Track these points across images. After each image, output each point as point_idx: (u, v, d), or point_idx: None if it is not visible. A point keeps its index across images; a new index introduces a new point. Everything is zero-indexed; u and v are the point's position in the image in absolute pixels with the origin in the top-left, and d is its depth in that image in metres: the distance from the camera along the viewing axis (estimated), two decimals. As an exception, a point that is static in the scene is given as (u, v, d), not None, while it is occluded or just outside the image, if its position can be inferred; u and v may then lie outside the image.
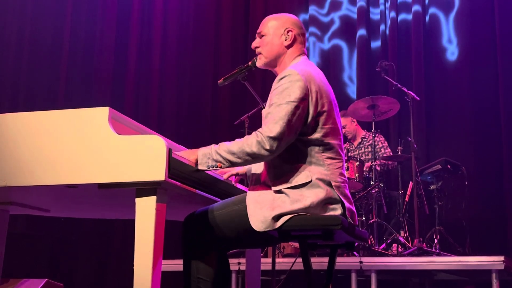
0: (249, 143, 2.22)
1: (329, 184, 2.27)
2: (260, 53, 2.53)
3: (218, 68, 7.07)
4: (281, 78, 2.30)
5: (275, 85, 2.32)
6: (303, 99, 2.25)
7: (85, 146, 2.10)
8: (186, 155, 2.25)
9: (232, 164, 2.25)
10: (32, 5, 6.37)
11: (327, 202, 2.26)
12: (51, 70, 6.37)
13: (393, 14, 6.64)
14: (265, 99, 4.15)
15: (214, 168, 2.24)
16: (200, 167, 2.24)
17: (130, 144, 2.06)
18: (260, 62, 2.55)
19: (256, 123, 5.64)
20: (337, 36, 7.00)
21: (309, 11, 7.16)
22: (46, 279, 3.27)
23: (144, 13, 7.10)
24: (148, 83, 6.94)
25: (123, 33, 6.90)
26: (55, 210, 2.81)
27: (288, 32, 2.48)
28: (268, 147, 2.20)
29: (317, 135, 2.29)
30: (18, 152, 2.17)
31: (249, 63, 2.78)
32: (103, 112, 2.13)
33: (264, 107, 2.96)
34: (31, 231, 5.53)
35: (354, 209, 2.40)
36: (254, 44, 2.55)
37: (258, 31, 2.54)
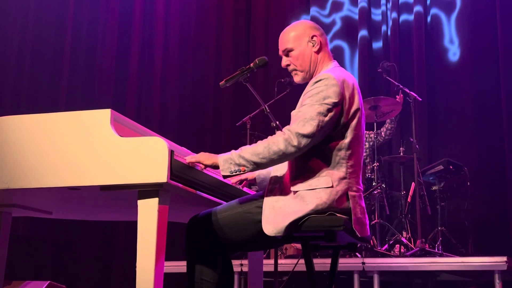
0: (275, 141, 2.19)
1: (345, 192, 2.25)
2: (295, 69, 2.44)
3: (220, 69, 7.08)
4: (317, 81, 2.26)
5: (309, 87, 2.29)
6: (337, 104, 2.23)
7: (87, 148, 2.10)
8: (203, 158, 2.23)
9: (257, 166, 2.20)
10: (34, 7, 6.38)
11: (338, 210, 2.23)
12: (53, 72, 6.38)
13: (394, 14, 6.65)
14: (267, 101, 4.15)
15: (238, 173, 2.19)
16: (223, 173, 2.21)
17: (132, 146, 2.06)
18: (298, 78, 2.45)
19: (258, 125, 5.67)
20: (338, 37, 7.01)
21: (311, 12, 7.17)
22: (48, 281, 3.28)
23: (146, 16, 7.11)
24: (150, 85, 6.95)
25: (125, 35, 6.90)
26: (58, 212, 2.81)
27: (312, 38, 2.43)
28: (295, 143, 2.17)
29: (344, 141, 2.27)
30: (20, 155, 2.17)
31: (251, 64, 2.77)
32: (105, 114, 2.13)
33: (266, 109, 2.97)
34: (33, 233, 5.54)
35: (366, 220, 2.37)
36: (284, 63, 2.47)
37: (282, 49, 2.45)
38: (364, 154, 5.81)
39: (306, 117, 2.19)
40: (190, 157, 2.24)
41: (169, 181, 2.02)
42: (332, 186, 2.22)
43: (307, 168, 2.26)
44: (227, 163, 2.20)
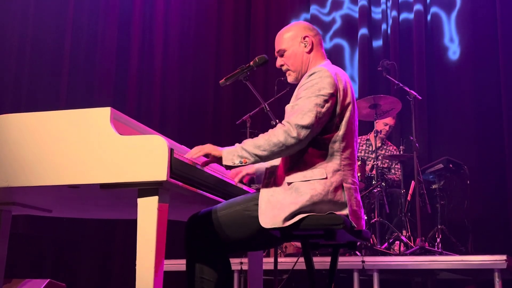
0: (275, 133, 2.23)
1: (340, 184, 2.28)
2: (288, 69, 2.54)
3: (220, 69, 7.08)
4: (311, 74, 2.32)
5: (303, 81, 2.34)
6: (332, 95, 2.28)
7: (87, 147, 2.10)
8: (210, 149, 2.28)
9: (260, 158, 2.24)
10: (34, 7, 6.37)
11: (334, 202, 2.25)
12: (53, 70, 6.37)
13: (394, 13, 6.64)
14: (267, 99, 4.15)
15: (239, 164, 2.25)
16: (224, 163, 2.26)
17: (132, 144, 2.06)
18: (291, 78, 2.54)
19: (258, 123, 5.67)
20: (338, 35, 7.01)
21: (311, 11, 7.17)
22: (48, 279, 3.28)
23: (145, 15, 7.09)
24: (150, 84, 6.94)
25: (125, 34, 6.89)
26: (57, 210, 2.81)
27: (304, 38, 2.50)
28: (295, 135, 2.21)
29: (339, 133, 2.31)
30: (20, 153, 2.17)
31: (251, 63, 2.78)
32: (105, 112, 2.13)
33: (265, 107, 2.98)
34: (33, 232, 5.54)
35: (361, 213, 2.39)
36: (278, 63, 2.56)
37: (276, 50, 2.55)
38: (359, 154, 5.80)
39: (304, 109, 2.23)
40: (198, 148, 2.28)
41: (169, 179, 2.02)
42: (326, 178, 2.25)
43: (301, 160, 2.29)
44: (230, 155, 2.26)
